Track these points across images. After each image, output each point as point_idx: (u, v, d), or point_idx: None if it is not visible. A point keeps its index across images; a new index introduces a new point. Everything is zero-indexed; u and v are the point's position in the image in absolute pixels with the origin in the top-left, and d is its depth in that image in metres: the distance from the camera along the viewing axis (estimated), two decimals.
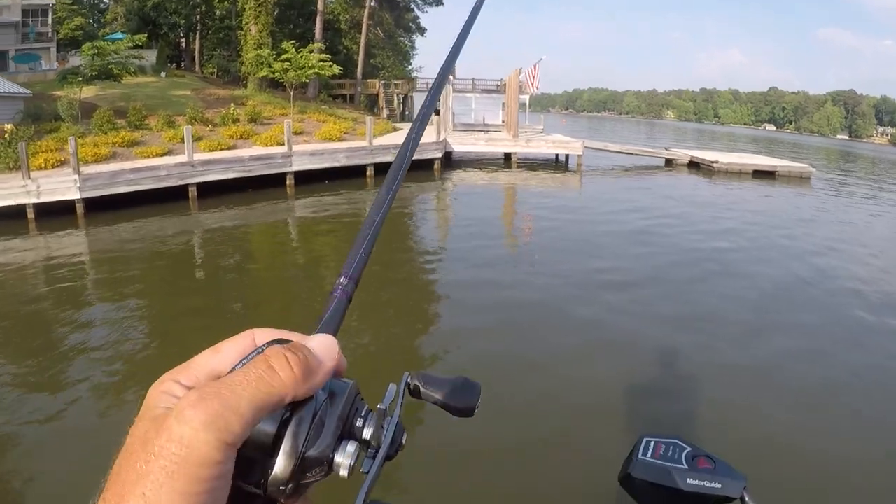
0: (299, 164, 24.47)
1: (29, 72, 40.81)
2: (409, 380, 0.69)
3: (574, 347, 9.80)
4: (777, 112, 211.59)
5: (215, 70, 52.05)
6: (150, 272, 14.69)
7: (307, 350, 0.54)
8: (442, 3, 55.30)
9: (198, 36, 52.46)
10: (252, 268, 15.65)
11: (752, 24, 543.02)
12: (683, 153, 37.72)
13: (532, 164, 33.93)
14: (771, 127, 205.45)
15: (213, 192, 22.25)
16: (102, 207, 19.82)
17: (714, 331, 10.70)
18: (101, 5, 56.21)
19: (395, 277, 14.11)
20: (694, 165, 35.74)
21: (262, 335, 0.58)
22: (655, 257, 15.96)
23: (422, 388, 0.69)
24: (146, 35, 47.26)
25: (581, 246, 17.11)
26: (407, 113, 54.29)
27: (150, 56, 42.85)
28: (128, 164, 22.09)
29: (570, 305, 11.86)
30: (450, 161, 32.92)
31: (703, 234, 19.00)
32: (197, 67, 52.34)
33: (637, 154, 37.06)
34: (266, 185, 23.65)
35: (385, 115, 47.05)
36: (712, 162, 34.20)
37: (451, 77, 42.74)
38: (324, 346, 0.56)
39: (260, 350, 0.54)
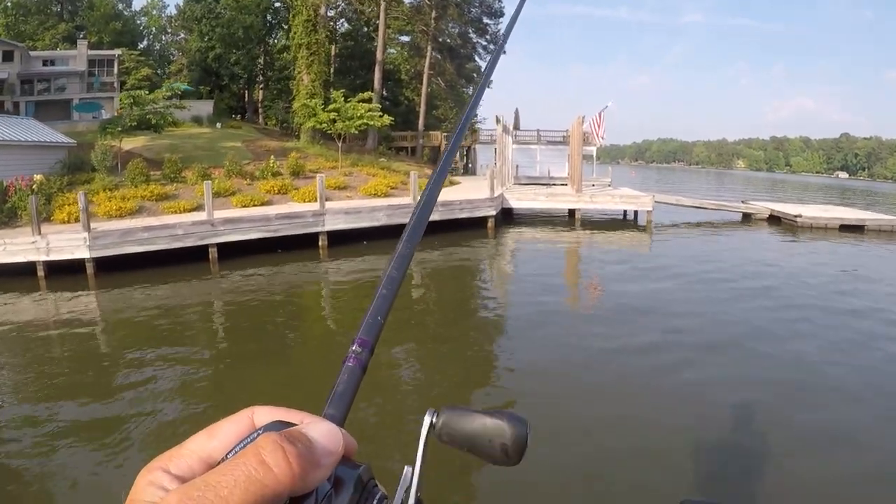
0: (332, 224, 21.25)
1: (92, 120, 39.59)
2: (434, 419, 0.57)
3: (626, 413, 8.59)
4: (850, 159, 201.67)
5: (277, 122, 50.20)
6: (156, 342, 12.20)
7: (307, 440, 0.47)
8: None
9: (260, 87, 50.84)
10: (272, 340, 12.49)
11: (821, 69, 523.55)
12: (762, 207, 33.15)
13: (598, 221, 30.06)
14: (843, 174, 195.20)
15: (238, 252, 19.43)
16: (116, 267, 17.70)
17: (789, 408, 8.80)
18: (172, 57, 55.40)
19: (434, 351, 11.65)
20: (774, 220, 31.19)
21: (262, 414, 0.52)
22: (735, 329, 12.78)
23: (449, 430, 0.56)
24: (209, 86, 46.35)
25: (652, 317, 13.46)
26: (470, 165, 51.12)
27: (207, 107, 41.14)
28: (141, 222, 19.58)
29: (636, 380, 9.98)
30: (509, 218, 29.41)
31: (793, 301, 15.13)
32: (260, 119, 50.60)
33: (712, 209, 32.78)
34: (297, 245, 20.62)
35: None
36: (795, 216, 29.62)
37: (511, 129, 39.46)
38: (327, 434, 0.49)
39: (255, 436, 0.47)
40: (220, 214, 20.33)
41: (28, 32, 48.92)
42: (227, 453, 0.47)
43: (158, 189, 23.21)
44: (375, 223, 21.93)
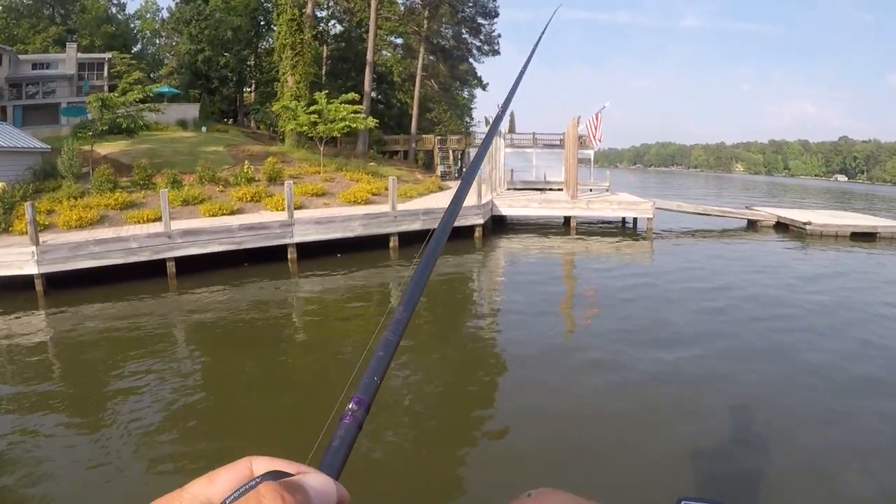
0: (302, 235, 18.96)
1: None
2: None
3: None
4: (849, 162, 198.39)
5: (266, 125, 48.33)
6: (103, 368, 10.78)
7: (304, 490, 0.47)
8: (498, 53, 49.09)
9: (253, 90, 48.83)
10: (232, 367, 10.77)
11: (820, 73, 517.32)
12: (769, 213, 30.77)
13: (594, 229, 27.74)
14: (842, 177, 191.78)
15: (200, 266, 17.36)
16: (69, 284, 15.91)
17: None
18: (165, 61, 53.48)
19: (421, 388, 9.99)
20: (782, 227, 28.80)
21: (260, 464, 0.52)
22: (745, 353, 11.16)
23: None
24: (199, 90, 44.34)
25: (654, 342, 11.51)
26: (464, 169, 48.69)
27: (193, 110, 39.11)
28: (94, 234, 17.48)
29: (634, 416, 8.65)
30: (501, 226, 27.11)
31: (811, 325, 12.95)
32: (253, 123, 48.55)
33: (716, 215, 30.43)
34: (266, 258, 18.48)
35: (439, 173, 41.73)
36: (804, 223, 27.23)
37: (506, 131, 37.31)
38: (322, 485, 0.49)
39: (254, 483, 0.48)
40: (184, 225, 18.34)
41: (19, 36, 47.12)
42: (226, 499, 0.47)
43: (124, 197, 21.18)
44: (350, 234, 19.70)
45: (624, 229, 28.24)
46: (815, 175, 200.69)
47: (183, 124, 36.56)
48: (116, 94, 24.96)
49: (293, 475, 0.49)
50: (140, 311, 14.53)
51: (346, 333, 13.09)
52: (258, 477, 0.48)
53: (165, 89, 39.77)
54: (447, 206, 0.85)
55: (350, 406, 0.60)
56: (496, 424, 8.56)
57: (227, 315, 14.30)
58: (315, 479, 0.48)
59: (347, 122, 27.91)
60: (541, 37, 1.47)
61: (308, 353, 11.91)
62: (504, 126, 36.45)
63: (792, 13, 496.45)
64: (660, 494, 6.04)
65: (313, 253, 19.08)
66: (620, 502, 6.16)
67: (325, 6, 44.64)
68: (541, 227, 28.00)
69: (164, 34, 54.51)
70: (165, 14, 53.45)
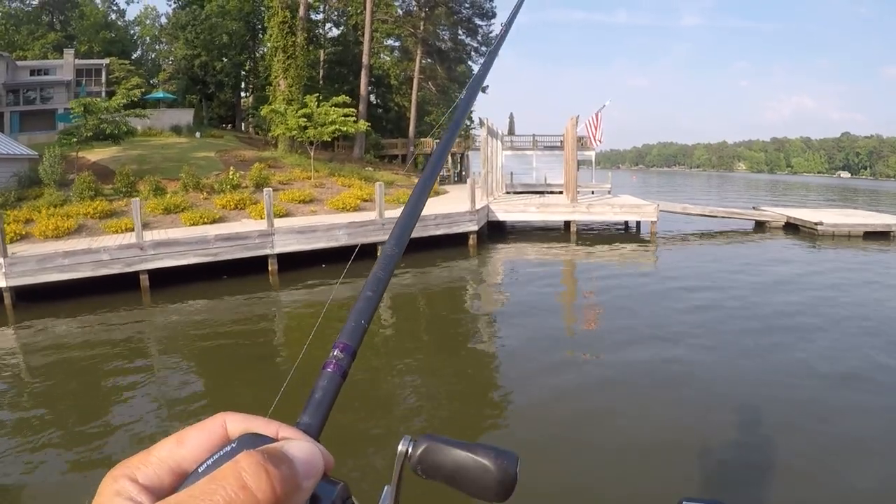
0: (283, 245, 17.59)
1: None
2: (409, 449, 0.50)
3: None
4: (851, 158, 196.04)
5: (263, 131, 47.36)
6: (70, 386, 10.23)
7: (290, 462, 0.41)
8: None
9: (250, 95, 47.70)
10: (206, 389, 10.19)
11: (821, 68, 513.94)
12: (777, 213, 29.26)
13: (596, 234, 26.35)
14: (846, 174, 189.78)
15: (176, 279, 16.15)
16: (40, 297, 15.03)
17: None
18: (164, 66, 52.41)
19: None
20: (791, 228, 27.37)
21: (235, 422, 0.46)
22: (756, 369, 10.09)
23: (427, 463, 0.50)
24: (196, 95, 43.22)
25: (658, 358, 10.41)
26: (464, 173, 47.40)
27: (187, 116, 37.92)
28: (64, 246, 16.28)
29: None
30: (498, 232, 25.66)
31: (830, 333, 11.72)
32: (251, 129, 47.40)
33: (722, 216, 28.91)
34: (246, 270, 17.14)
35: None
36: (816, 224, 25.72)
37: (505, 133, 35.81)
38: (309, 454, 0.43)
39: (230, 450, 0.42)
40: (160, 235, 17.11)
41: (19, 42, 46.22)
42: (199, 465, 0.42)
43: (104, 206, 20.00)
44: (334, 243, 18.29)
45: (627, 233, 26.80)
46: (818, 172, 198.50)
47: (177, 130, 35.45)
48: (100, 100, 23.74)
49: (272, 438, 0.43)
50: (111, 326, 13.62)
51: (327, 350, 11.87)
52: (234, 441, 0.42)
53: (161, 95, 38.62)
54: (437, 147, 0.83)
55: (334, 353, 0.53)
56: (492, 424, 8.30)
57: (201, 330, 13.30)
58: (299, 447, 0.42)
59: (338, 126, 26.54)
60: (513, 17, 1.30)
61: (283, 366, 10.77)
62: (503, 128, 35.03)
63: (788, 9, 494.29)
64: (663, 495, 5.99)
65: (297, 264, 17.75)
66: (623, 503, 6.17)
67: (321, 9, 43.42)
68: (540, 233, 26.57)
69: (163, 40, 53.44)
70: (164, 20, 52.36)
